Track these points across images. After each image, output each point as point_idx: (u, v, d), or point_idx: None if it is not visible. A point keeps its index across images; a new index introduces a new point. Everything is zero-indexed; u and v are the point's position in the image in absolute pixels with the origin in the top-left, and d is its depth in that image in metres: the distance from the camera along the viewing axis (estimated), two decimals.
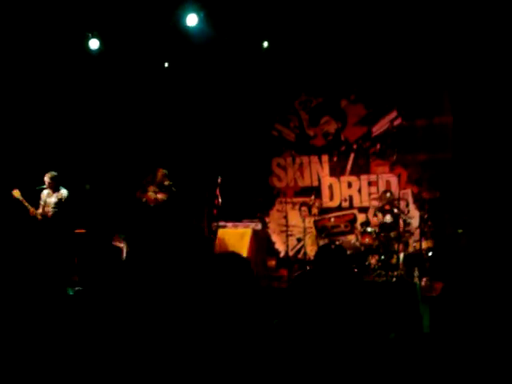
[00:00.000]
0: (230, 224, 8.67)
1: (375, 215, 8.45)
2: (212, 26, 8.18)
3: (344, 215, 9.43)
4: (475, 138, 8.27)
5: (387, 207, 8.24)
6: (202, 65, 9.33)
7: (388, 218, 8.08)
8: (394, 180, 8.95)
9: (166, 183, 8.36)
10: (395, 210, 8.17)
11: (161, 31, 8.23)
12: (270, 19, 8.13)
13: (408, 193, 8.97)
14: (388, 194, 8.39)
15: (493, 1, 7.67)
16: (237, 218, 8.84)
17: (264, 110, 10.00)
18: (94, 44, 8.49)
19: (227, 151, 9.98)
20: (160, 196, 8.34)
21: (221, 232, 8.57)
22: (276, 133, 10.14)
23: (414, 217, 8.70)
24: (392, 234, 8.04)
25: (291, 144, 10.05)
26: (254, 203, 9.83)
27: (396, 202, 8.23)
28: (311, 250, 9.10)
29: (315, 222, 9.02)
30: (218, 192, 8.83)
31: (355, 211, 9.34)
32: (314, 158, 9.87)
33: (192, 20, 8.03)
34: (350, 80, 9.40)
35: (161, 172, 8.44)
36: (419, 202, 8.74)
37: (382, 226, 8.09)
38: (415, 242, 8.34)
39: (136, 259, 8.13)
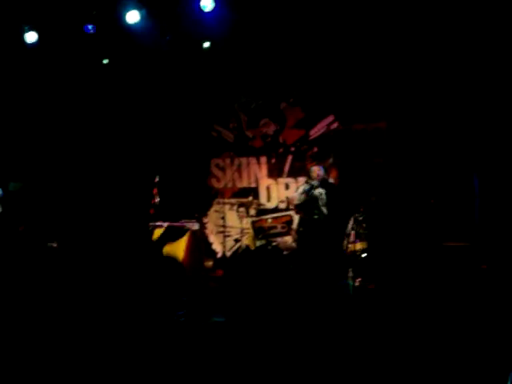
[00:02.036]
0: (166, 224, 8.61)
1: None
2: (154, 25, 8.12)
3: (281, 216, 9.53)
4: (408, 144, 8.56)
5: None
6: (143, 63, 9.25)
7: None
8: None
9: None
10: None
11: (101, 27, 8.12)
12: (212, 20, 8.12)
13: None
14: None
15: (425, 10, 7.94)
16: (174, 218, 8.79)
17: (204, 110, 10.00)
18: (31, 37, 8.27)
19: (166, 151, 9.92)
20: None
21: (157, 232, 8.49)
22: (215, 134, 10.16)
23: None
24: None
25: (230, 145, 10.09)
26: (192, 203, 9.80)
27: None
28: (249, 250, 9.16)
29: (253, 223, 9.08)
30: (155, 191, 8.75)
31: (292, 213, 9.44)
32: (253, 160, 9.94)
33: (133, 17, 7.95)
34: (290, 83, 9.53)
35: None
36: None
37: None
38: (350, 243, 8.52)
39: (68, 259, 7.97)
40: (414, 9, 8.00)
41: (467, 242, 7.11)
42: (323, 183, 8.03)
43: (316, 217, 8.01)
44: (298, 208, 8.21)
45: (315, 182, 7.99)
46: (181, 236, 4.60)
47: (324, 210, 7.97)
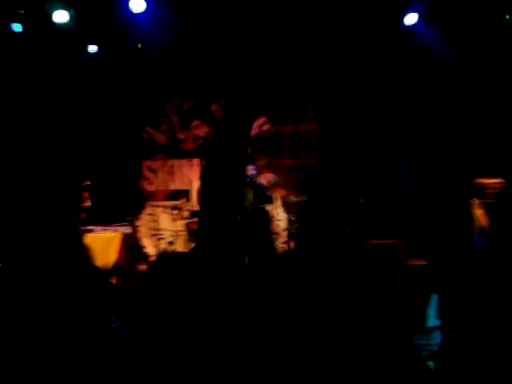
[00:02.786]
0: (98, 228, 8.47)
1: None
2: (83, 25, 8.01)
3: None
4: (338, 145, 8.79)
5: None
6: (72, 63, 9.08)
7: None
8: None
9: None
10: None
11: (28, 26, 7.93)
12: (143, 22, 8.08)
13: (277, 196, 9.27)
14: None
15: (354, 9, 8.17)
16: (106, 221, 8.67)
17: (135, 112, 9.90)
18: None
19: (97, 153, 9.76)
20: None
21: (89, 236, 8.34)
22: (147, 135, 10.07)
23: (282, 219, 9.01)
24: None
25: (162, 147, 10.02)
26: (124, 207, 9.68)
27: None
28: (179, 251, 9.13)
29: (186, 225, 9.06)
30: (86, 195, 8.60)
31: None
32: (185, 162, 9.92)
33: (61, 17, 7.82)
34: (221, 84, 9.57)
35: None
36: (286, 205, 9.08)
37: None
38: (283, 243, 8.64)
39: None
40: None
41: (396, 239, 7.33)
42: (251, 183, 8.16)
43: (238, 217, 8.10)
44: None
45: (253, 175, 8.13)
46: None
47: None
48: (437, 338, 4.41)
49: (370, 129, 8.57)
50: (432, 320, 4.85)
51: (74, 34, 8.28)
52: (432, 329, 4.75)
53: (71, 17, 7.94)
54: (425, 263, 6.67)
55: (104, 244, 8.18)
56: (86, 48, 8.86)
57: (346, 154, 8.66)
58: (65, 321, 2.74)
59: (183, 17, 8.40)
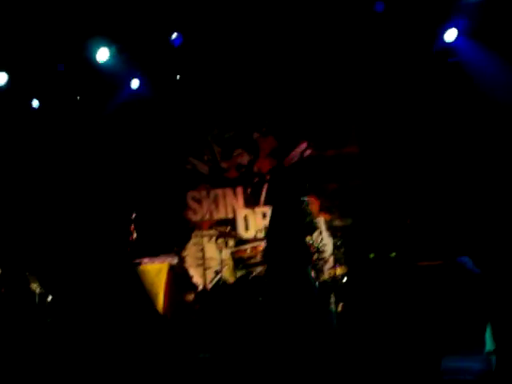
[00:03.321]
0: (146, 260, 8.55)
1: None
2: (124, 61, 8.21)
3: (259, 245, 9.52)
4: (381, 167, 8.70)
5: None
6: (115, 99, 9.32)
7: None
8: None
9: None
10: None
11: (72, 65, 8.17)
12: (181, 53, 8.24)
13: (321, 221, 9.19)
14: None
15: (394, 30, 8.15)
16: (153, 253, 8.74)
17: (177, 144, 10.04)
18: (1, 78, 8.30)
19: (142, 186, 9.91)
20: None
21: (147, 268, 8.42)
22: (190, 166, 10.18)
23: (328, 244, 8.92)
24: None
25: (205, 177, 10.11)
26: (170, 237, 9.76)
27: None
28: (229, 283, 9.12)
29: (232, 254, 9.05)
30: (132, 228, 8.71)
31: None
32: (229, 191, 9.96)
33: (103, 54, 8.04)
34: (261, 113, 9.63)
35: None
36: (332, 230, 8.99)
37: None
38: (329, 268, 8.53)
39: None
40: (379, 35, 8.20)
41: (441, 260, 7.18)
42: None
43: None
44: None
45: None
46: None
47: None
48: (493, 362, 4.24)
49: (413, 150, 8.47)
50: (490, 344, 4.68)
51: (116, 70, 8.47)
52: (490, 353, 4.58)
53: (112, 53, 8.14)
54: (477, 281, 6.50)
55: (152, 275, 8.24)
56: (129, 83, 9.06)
57: (390, 176, 8.56)
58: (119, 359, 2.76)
59: (221, 47, 8.53)
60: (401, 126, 8.63)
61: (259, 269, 8.89)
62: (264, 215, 9.74)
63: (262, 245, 9.51)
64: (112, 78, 8.79)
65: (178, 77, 8.94)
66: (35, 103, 8.90)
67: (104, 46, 8.14)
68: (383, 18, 8.00)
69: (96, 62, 8.14)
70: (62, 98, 8.98)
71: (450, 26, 7.98)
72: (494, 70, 7.93)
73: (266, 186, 9.73)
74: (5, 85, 8.32)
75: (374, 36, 8.26)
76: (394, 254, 8.33)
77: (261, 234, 9.68)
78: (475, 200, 8.07)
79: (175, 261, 8.59)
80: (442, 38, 8.07)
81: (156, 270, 8.33)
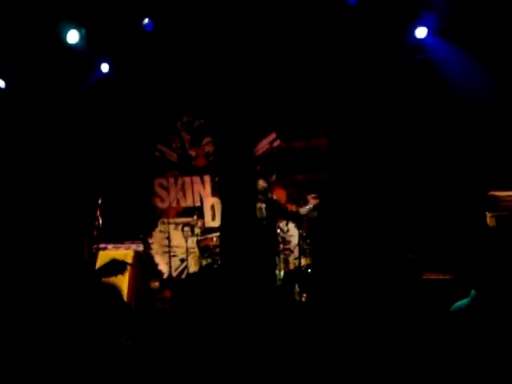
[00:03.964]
0: (110, 246, 8.50)
1: None
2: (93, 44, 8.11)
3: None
4: (349, 160, 8.75)
5: None
6: (86, 82, 9.19)
7: None
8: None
9: None
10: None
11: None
12: (153, 38, 8.16)
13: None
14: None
15: (364, 23, 8.19)
16: (118, 239, 8.69)
17: (146, 130, 9.97)
18: None
19: (108, 171, 9.82)
20: None
21: (102, 254, 8.37)
22: (158, 153, 10.13)
23: (294, 235, 9.00)
24: None
25: (173, 164, 10.07)
26: (137, 224, 9.70)
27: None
28: (194, 271, 9.14)
29: (198, 242, 9.06)
30: (98, 213, 8.64)
31: None
32: (196, 179, 9.95)
33: (73, 37, 7.93)
34: (232, 102, 9.59)
35: None
36: (298, 221, 9.05)
37: None
38: (295, 259, 8.62)
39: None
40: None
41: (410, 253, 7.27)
42: (265, 198, 8.16)
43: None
44: None
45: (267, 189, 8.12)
46: (121, 272, 4.51)
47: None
48: None
49: (381, 144, 8.54)
50: None
51: (85, 53, 8.36)
52: None
53: (82, 36, 8.03)
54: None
55: None
56: (98, 67, 8.94)
57: (359, 168, 8.63)
58: (75, 338, 2.74)
59: (191, 33, 8.46)
60: (370, 120, 8.69)
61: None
62: None
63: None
64: (82, 60, 8.65)
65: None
66: (1, 83, 8.71)
67: (74, 28, 8.01)
68: (356, 10, 8.04)
69: (66, 43, 8.00)
70: (30, 79, 8.80)
71: (420, 23, 8.06)
72: (463, 68, 8.05)
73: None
74: None
75: (346, 28, 8.29)
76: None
77: None
78: (440, 194, 8.21)
79: (141, 248, 8.55)
80: (412, 34, 8.14)
81: (121, 256, 8.25)
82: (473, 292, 3.63)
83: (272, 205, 8.33)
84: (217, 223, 9.72)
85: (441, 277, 6.61)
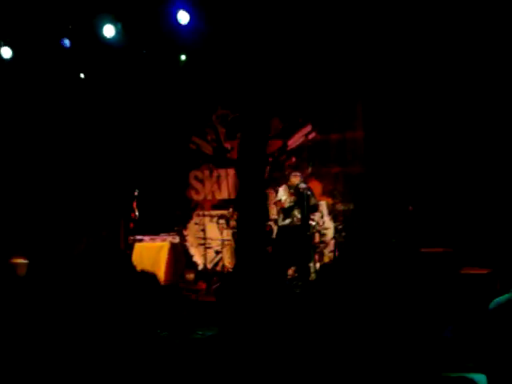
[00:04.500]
0: (147, 238, 8.58)
1: None
2: (130, 39, 8.16)
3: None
4: (385, 153, 8.66)
5: None
6: (119, 77, 9.26)
7: None
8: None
9: None
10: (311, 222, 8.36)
11: (77, 41, 8.12)
12: (188, 32, 8.16)
13: (323, 204, 9.20)
14: None
15: (404, 24, 8.06)
16: (154, 231, 8.77)
17: (182, 123, 10.01)
18: (6, 52, 8.25)
19: (145, 164, 9.91)
20: None
21: (138, 246, 8.46)
22: (194, 146, 10.17)
23: (329, 228, 8.95)
24: None
25: (209, 157, 10.10)
26: (172, 216, 9.77)
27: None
28: (229, 263, 9.17)
29: (233, 235, 9.09)
30: (134, 205, 8.73)
31: (271, 223, 9.44)
32: (231, 171, 9.96)
33: (109, 31, 7.98)
34: (267, 94, 9.57)
35: None
36: (333, 214, 9.00)
37: None
38: (330, 252, 8.58)
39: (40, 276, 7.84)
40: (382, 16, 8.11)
41: (447, 247, 7.16)
42: (298, 192, 8.13)
43: (298, 223, 8.07)
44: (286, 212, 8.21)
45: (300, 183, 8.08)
46: None
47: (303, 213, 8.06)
48: None
49: (418, 136, 8.41)
50: None
51: (121, 47, 8.42)
52: None
53: (118, 30, 8.09)
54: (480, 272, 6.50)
55: (153, 253, 8.28)
56: (134, 60, 9.01)
57: (394, 161, 8.53)
58: (112, 326, 2.77)
59: (228, 27, 8.46)
60: (406, 114, 8.58)
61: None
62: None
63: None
64: (118, 54, 8.72)
65: (184, 57, 8.85)
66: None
67: (110, 22, 8.07)
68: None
69: (102, 38, 8.08)
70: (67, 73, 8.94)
71: None
72: None
73: (268, 168, 9.70)
74: (10, 58, 8.26)
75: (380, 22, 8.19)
76: (393, 241, 8.35)
77: None
78: (477, 189, 8.06)
79: (176, 240, 8.61)
80: None
81: (157, 248, 8.37)
82: None
83: (307, 199, 8.27)
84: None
85: (479, 271, 6.50)
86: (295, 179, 8.22)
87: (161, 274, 7.82)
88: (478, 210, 7.91)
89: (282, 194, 8.31)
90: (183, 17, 8.02)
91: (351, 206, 8.82)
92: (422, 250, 7.30)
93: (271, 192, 9.48)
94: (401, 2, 7.87)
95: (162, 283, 8.00)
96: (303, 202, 7.96)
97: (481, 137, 8.07)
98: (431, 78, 8.28)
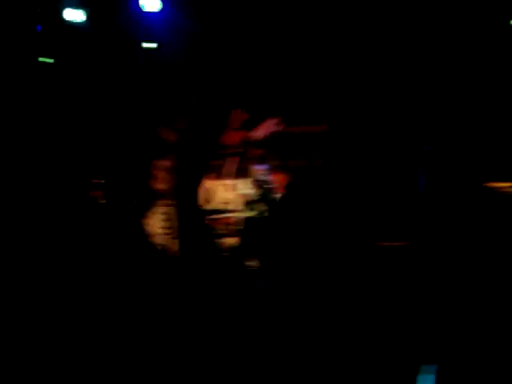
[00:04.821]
0: None
1: None
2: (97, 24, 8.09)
3: (221, 218, 9.58)
4: (348, 146, 8.85)
5: None
6: (86, 62, 9.18)
7: None
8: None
9: None
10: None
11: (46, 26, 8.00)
12: (155, 21, 8.15)
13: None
14: None
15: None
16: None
17: (148, 111, 9.95)
18: None
19: (109, 153, 9.84)
20: None
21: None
22: (159, 135, 10.11)
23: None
24: None
25: (173, 147, 10.05)
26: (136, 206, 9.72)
27: None
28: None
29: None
30: (100, 194, 8.68)
31: (232, 214, 9.45)
32: None
33: (75, 16, 7.91)
34: (233, 86, 9.62)
35: None
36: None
37: None
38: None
39: None
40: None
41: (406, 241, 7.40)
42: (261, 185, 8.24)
43: (265, 214, 8.18)
44: (249, 205, 8.31)
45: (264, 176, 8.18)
46: None
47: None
48: None
49: (383, 130, 8.63)
50: None
51: (87, 33, 8.36)
52: None
53: (85, 15, 8.03)
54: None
55: None
56: (100, 48, 8.93)
57: (358, 155, 8.74)
58: None
59: (196, 17, 8.47)
60: (369, 110, 8.79)
61: (219, 241, 8.96)
62: (227, 188, 9.78)
63: (226, 217, 9.61)
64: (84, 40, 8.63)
65: (153, 45, 8.83)
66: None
67: (76, 7, 7.98)
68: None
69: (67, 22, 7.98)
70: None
71: None
72: None
73: (231, 159, 9.74)
74: None
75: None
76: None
77: (222, 207, 9.74)
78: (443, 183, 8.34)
79: None
80: None
81: None
82: None
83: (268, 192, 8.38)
84: (211, 206, 9.76)
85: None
86: (258, 172, 8.31)
87: None
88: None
89: (246, 188, 8.39)
90: (150, 4, 8.01)
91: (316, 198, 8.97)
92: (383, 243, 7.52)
93: (233, 184, 9.52)
94: None
95: None
96: (266, 196, 8.06)
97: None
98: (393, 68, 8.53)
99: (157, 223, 9.92)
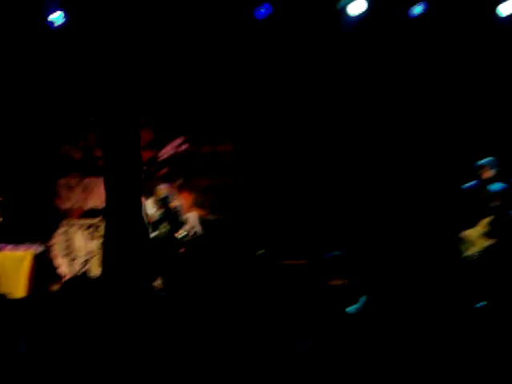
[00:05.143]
0: (9, 246, 8.25)
1: None
2: None
3: None
4: (252, 165, 9.07)
5: None
6: None
7: None
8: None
9: None
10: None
11: None
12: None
13: (194, 216, 9.31)
14: None
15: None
16: (18, 240, 8.45)
17: (52, 128, 9.73)
18: None
19: (10, 170, 9.52)
20: None
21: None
22: (63, 152, 9.90)
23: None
24: None
25: (78, 164, 9.88)
26: (37, 225, 9.46)
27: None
28: (97, 272, 9.01)
29: (102, 244, 8.94)
30: None
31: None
32: (102, 180, 9.78)
33: None
34: (140, 105, 9.56)
35: None
36: (204, 224, 9.16)
37: None
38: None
39: None
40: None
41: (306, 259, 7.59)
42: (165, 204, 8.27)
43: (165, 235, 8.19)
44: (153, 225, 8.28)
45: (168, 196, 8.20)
46: None
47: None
48: None
49: (283, 152, 8.91)
50: None
51: None
52: None
53: None
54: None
55: (14, 263, 7.97)
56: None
57: (262, 174, 8.96)
58: None
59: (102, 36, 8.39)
60: (273, 129, 9.05)
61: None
62: None
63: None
64: None
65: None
66: None
67: None
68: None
69: None
70: None
71: None
72: None
73: None
74: None
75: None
76: (261, 252, 8.68)
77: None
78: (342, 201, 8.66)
79: (40, 249, 8.35)
80: None
81: (19, 257, 8.07)
82: None
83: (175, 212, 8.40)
84: None
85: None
86: (162, 191, 8.34)
87: (22, 284, 7.57)
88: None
89: (150, 208, 8.38)
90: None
91: (221, 217, 9.06)
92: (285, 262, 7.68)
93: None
94: None
95: (25, 293, 7.75)
96: (170, 216, 8.11)
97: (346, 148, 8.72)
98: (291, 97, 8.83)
99: (59, 243, 9.65)
